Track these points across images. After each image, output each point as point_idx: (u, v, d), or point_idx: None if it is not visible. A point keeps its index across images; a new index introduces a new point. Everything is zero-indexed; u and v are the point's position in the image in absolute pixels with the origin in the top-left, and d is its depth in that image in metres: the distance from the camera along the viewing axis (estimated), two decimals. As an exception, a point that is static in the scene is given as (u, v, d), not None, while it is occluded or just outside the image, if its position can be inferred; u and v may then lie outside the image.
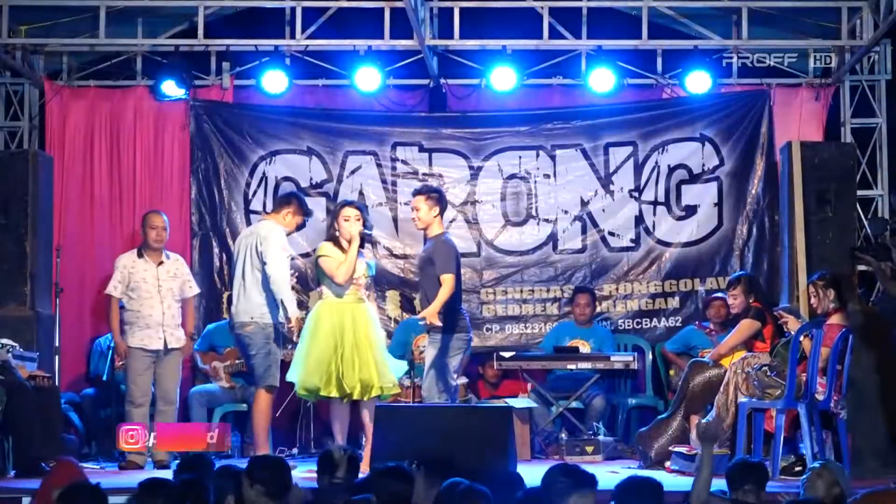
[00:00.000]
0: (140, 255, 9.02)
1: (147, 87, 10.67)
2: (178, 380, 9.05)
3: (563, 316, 10.59)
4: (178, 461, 7.26)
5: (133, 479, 5.53)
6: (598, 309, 10.64)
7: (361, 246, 8.39)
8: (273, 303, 8.36)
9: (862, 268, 9.99)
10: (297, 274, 9.81)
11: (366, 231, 8.31)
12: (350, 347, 8.09)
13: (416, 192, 8.44)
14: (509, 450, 7.30)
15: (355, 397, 8.15)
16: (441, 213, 8.37)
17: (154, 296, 8.94)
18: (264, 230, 8.46)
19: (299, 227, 8.75)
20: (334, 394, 8.14)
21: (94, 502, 4.85)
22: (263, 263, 8.31)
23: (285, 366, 8.50)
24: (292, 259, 10.35)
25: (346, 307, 8.19)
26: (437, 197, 8.37)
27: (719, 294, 10.11)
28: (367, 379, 8.09)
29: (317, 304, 8.42)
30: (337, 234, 8.30)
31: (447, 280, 8.12)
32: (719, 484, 5.68)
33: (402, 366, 8.57)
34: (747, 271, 9.82)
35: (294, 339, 8.46)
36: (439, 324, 8.07)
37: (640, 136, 10.75)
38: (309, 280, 10.31)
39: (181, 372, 9.15)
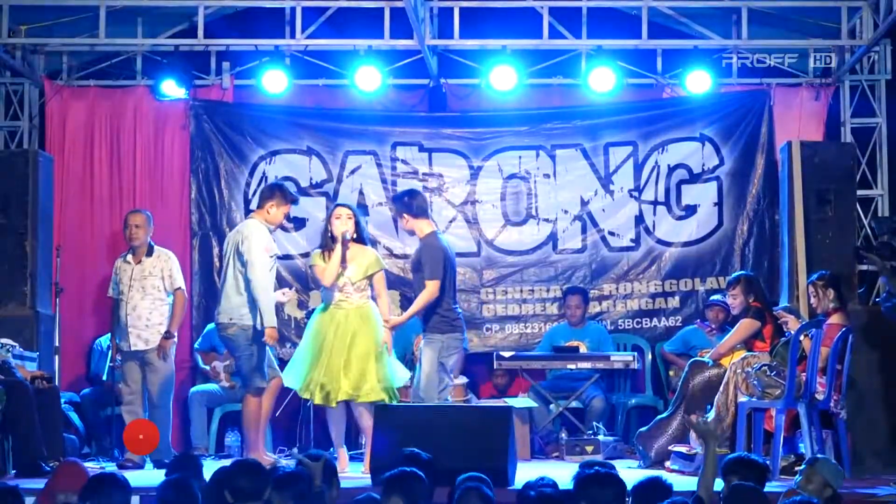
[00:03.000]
0: (127, 255, 9.03)
1: (147, 87, 10.67)
2: (160, 381, 8.86)
3: (563, 316, 10.58)
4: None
5: (132, 478, 5.52)
6: (598, 308, 10.65)
7: (363, 243, 8.38)
8: (253, 304, 8.21)
9: (862, 267, 10.02)
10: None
11: (346, 235, 8.19)
12: (326, 353, 8.07)
13: (392, 203, 8.55)
14: (509, 450, 7.31)
15: (317, 401, 8.13)
16: (420, 211, 8.35)
17: (124, 296, 8.91)
18: (247, 229, 8.31)
19: (296, 224, 8.65)
20: (306, 396, 8.19)
21: (119, 492, 4.87)
22: (244, 265, 8.17)
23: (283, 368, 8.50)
24: (291, 258, 10.38)
25: (336, 313, 8.17)
26: (408, 199, 8.37)
27: (718, 299, 10.10)
28: (328, 383, 8.03)
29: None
30: (331, 237, 8.26)
31: (430, 286, 8.17)
32: (719, 484, 5.68)
33: (404, 376, 8.37)
34: (747, 271, 9.82)
35: (272, 344, 8.38)
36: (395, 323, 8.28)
37: (640, 135, 10.75)
38: (309, 280, 10.30)
39: (169, 373, 8.96)
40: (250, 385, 8.29)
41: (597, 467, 5.29)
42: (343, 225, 8.22)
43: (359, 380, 8.05)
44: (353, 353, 8.06)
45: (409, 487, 5.15)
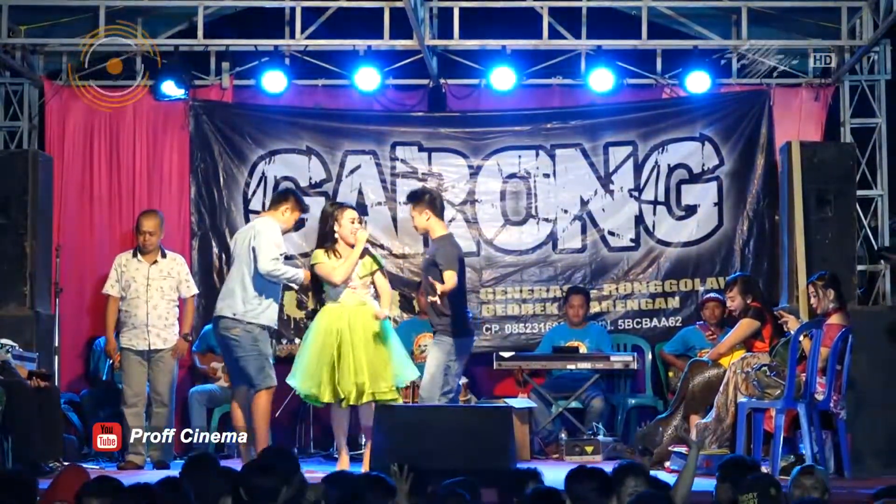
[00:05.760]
0: (135, 254, 9.07)
1: (147, 87, 10.67)
2: (169, 381, 8.98)
3: (563, 316, 10.58)
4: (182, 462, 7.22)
5: (132, 479, 5.52)
6: (598, 308, 10.64)
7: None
8: (262, 303, 8.18)
9: (861, 267, 10.03)
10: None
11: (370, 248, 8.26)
12: (346, 352, 7.98)
13: (407, 201, 8.50)
14: (509, 450, 7.31)
15: (351, 402, 8.02)
16: (436, 213, 8.35)
17: (141, 295, 8.95)
18: (260, 225, 8.33)
19: (297, 226, 8.65)
20: (328, 398, 8.06)
21: (117, 496, 4.87)
22: (255, 260, 8.15)
23: (281, 366, 8.46)
24: (292, 259, 10.37)
25: (345, 311, 8.10)
26: (428, 199, 8.35)
27: (713, 294, 10.12)
28: (361, 383, 7.97)
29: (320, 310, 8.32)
30: (337, 236, 8.22)
31: (449, 276, 8.10)
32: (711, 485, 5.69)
33: (414, 370, 8.29)
34: (745, 272, 9.83)
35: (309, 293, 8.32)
36: (437, 299, 8.04)
37: (639, 135, 10.75)
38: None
39: (175, 372, 9.10)
40: (260, 384, 8.16)
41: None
42: (364, 231, 8.21)
43: (376, 378, 8.02)
44: (369, 351, 8.02)
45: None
